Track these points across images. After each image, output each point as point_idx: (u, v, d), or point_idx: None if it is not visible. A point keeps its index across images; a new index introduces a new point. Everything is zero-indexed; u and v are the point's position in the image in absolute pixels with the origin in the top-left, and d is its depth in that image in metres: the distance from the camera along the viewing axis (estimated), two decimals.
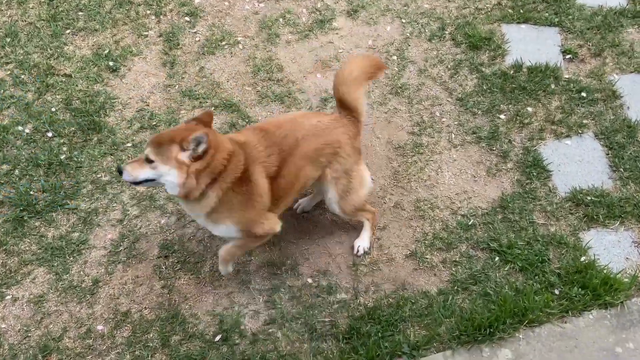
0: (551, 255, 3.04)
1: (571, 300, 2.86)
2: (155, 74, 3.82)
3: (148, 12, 4.13)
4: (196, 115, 2.68)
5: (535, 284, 2.92)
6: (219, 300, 2.93)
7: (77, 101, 3.65)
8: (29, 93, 3.68)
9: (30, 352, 2.76)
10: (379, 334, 2.77)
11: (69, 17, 4.07)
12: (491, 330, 2.75)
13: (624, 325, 2.81)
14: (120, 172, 2.50)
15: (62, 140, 3.48)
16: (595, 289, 2.86)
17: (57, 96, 3.67)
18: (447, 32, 4.06)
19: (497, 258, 3.04)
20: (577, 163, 3.40)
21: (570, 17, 4.07)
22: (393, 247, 3.12)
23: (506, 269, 3.00)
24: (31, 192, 3.25)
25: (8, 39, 3.92)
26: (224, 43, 3.99)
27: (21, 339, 2.81)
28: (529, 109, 3.65)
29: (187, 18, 4.11)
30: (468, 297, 2.91)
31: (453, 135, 3.56)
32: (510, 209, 3.21)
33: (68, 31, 4.00)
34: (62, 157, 3.41)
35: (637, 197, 3.23)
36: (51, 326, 2.85)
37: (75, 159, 3.40)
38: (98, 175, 3.35)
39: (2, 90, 3.67)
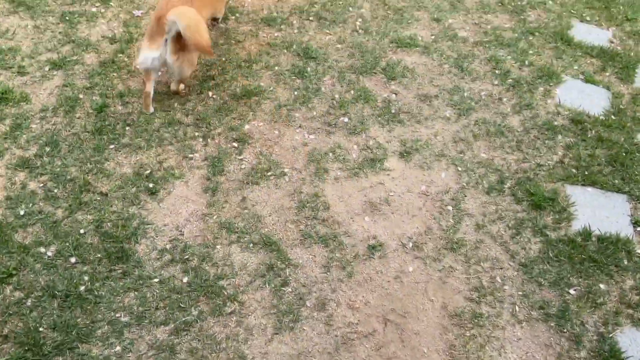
0: None
1: None
2: (195, 201, 3.58)
3: (196, 133, 3.98)
4: None
5: None
6: None
7: (108, 224, 3.37)
8: (59, 210, 3.42)
9: None
10: None
11: (115, 131, 3.92)
12: None
13: None
14: None
15: (85, 268, 3.15)
16: None
17: (88, 216, 3.41)
18: (506, 187, 3.82)
19: None
20: None
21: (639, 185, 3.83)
22: None
23: None
24: (40, 329, 2.87)
25: (47, 148, 3.75)
26: (269, 173, 3.78)
27: None
28: (602, 285, 3.28)
29: (235, 144, 3.95)
30: None
31: (517, 308, 3.17)
32: None
33: (112, 146, 3.83)
34: (82, 288, 3.06)
35: None
36: None
37: (96, 292, 3.05)
38: (117, 315, 2.98)
39: (30, 204, 3.42)
